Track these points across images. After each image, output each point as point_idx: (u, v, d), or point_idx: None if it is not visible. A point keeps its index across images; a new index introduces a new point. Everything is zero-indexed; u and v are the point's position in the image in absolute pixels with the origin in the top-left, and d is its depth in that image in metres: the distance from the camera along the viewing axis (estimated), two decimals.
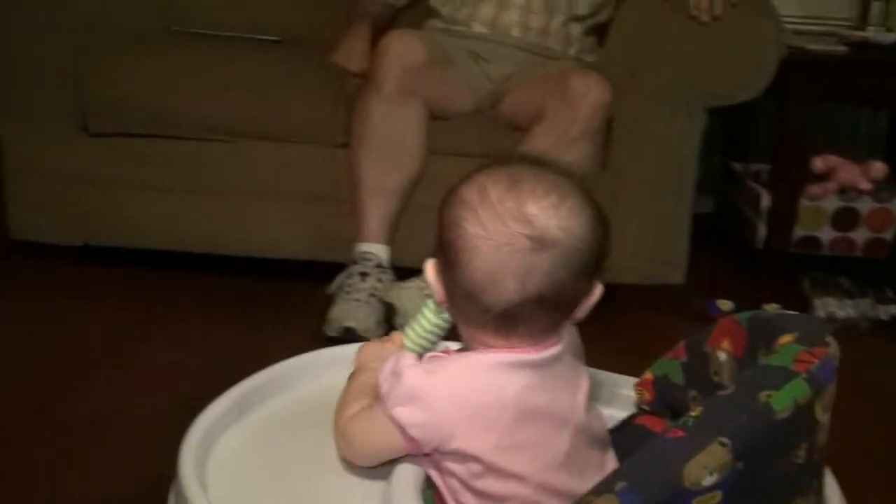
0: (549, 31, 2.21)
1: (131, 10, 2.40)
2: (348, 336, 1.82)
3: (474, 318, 0.82)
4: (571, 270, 0.80)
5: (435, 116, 2.03)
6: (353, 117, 2.01)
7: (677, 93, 2.00)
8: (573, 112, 1.92)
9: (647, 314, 2.08)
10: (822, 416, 0.76)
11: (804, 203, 2.30)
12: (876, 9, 2.53)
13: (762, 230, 2.34)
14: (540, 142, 1.94)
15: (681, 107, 2.02)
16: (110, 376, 1.74)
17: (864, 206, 2.31)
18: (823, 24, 2.75)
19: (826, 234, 2.33)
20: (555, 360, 0.83)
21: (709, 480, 0.68)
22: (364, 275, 1.94)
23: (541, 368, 0.82)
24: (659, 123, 2.02)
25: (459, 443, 0.80)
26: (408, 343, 0.93)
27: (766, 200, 2.32)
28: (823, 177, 2.35)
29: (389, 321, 1.87)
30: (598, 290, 0.84)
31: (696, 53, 1.98)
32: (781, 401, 0.72)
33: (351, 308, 1.89)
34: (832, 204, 2.32)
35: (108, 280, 2.18)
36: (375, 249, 1.97)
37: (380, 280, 1.94)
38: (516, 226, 0.78)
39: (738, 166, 2.60)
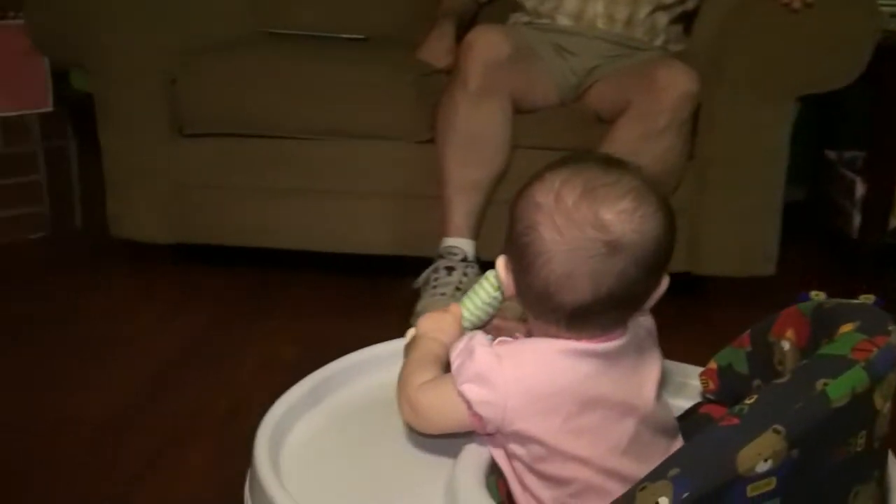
0: (635, 22, 2.20)
1: (222, 14, 2.49)
2: None
3: (545, 314, 0.85)
4: (643, 270, 0.82)
5: (520, 110, 2.05)
6: (439, 114, 2.04)
7: (767, 82, 1.96)
8: (659, 103, 1.91)
9: (739, 307, 2.04)
10: (882, 404, 0.75)
11: None
12: None
13: (857, 220, 2.28)
14: (625, 134, 1.93)
15: (770, 96, 1.98)
16: (202, 374, 1.79)
17: None
18: None
19: None
20: (620, 350, 0.85)
21: (763, 467, 0.68)
22: (450, 269, 1.96)
23: (606, 358, 0.84)
24: (748, 113, 1.99)
25: (522, 425, 0.83)
26: (465, 314, 0.96)
27: (860, 189, 2.27)
28: None
29: None
30: (665, 283, 0.86)
31: (787, 41, 1.93)
32: (838, 389, 0.72)
33: (437, 302, 1.91)
34: None
35: (199, 278, 2.26)
36: (461, 244, 1.99)
37: (465, 274, 1.96)
38: (592, 232, 0.80)
39: (831, 154, 2.53)
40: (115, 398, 1.68)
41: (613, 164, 0.85)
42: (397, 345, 1.02)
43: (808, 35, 1.91)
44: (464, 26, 2.27)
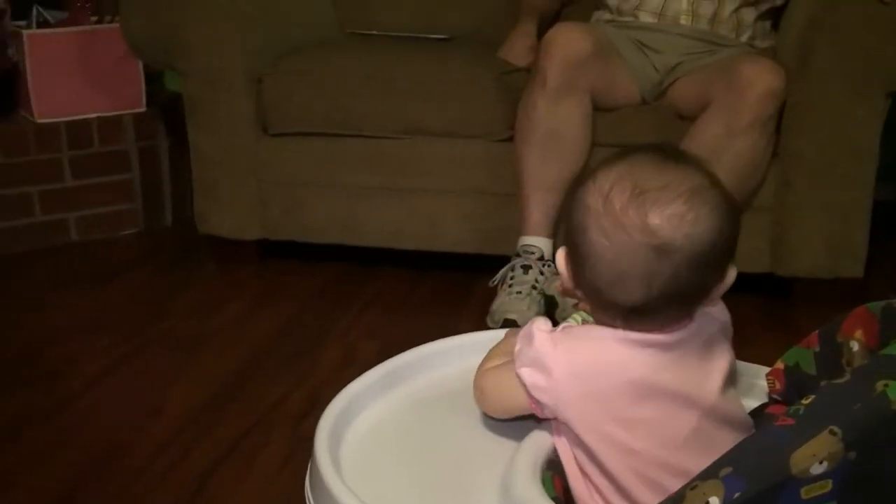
0: (721, 19, 2.16)
1: (307, 16, 2.53)
2: (509, 327, 1.85)
3: (603, 308, 0.85)
4: (696, 270, 0.81)
5: (600, 108, 2.03)
6: (519, 112, 2.04)
7: (857, 76, 1.91)
8: (742, 100, 1.87)
9: (825, 309, 1.96)
10: None
11: None
12: None
13: None
14: (707, 130, 1.90)
15: (861, 91, 1.93)
16: (283, 368, 1.83)
17: None
18: None
19: None
20: (683, 341, 0.84)
21: (818, 469, 0.67)
22: (526, 267, 1.96)
23: (668, 349, 0.83)
24: (837, 109, 1.94)
25: (573, 412, 0.83)
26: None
27: None
28: None
29: (550, 314, 1.88)
30: (731, 275, 0.84)
31: (879, 34, 1.88)
32: None
33: (513, 300, 1.92)
34: None
35: (283, 274, 2.30)
36: (538, 242, 1.99)
37: (541, 273, 1.96)
38: (640, 236, 0.80)
39: None
40: (200, 390, 1.74)
41: (671, 161, 0.83)
42: (460, 339, 1.05)
43: None
44: (546, 25, 2.26)
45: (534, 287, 1.93)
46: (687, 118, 2.01)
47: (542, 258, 1.97)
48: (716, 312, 0.88)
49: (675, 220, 0.80)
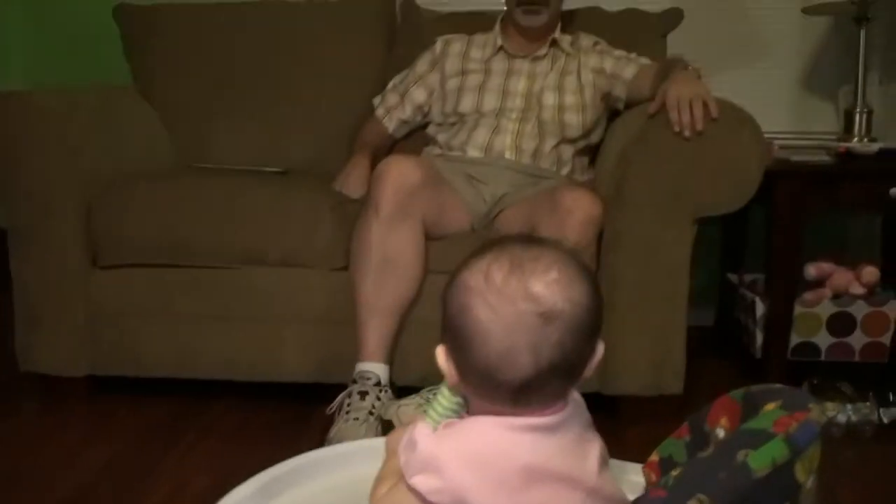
0: (542, 154, 2.31)
1: (143, 148, 2.54)
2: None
3: (490, 393, 0.88)
4: (577, 336, 0.87)
5: (432, 237, 2.10)
6: (353, 240, 2.09)
7: (666, 205, 2.05)
8: (563, 227, 1.98)
9: (650, 425, 2.06)
10: (804, 478, 0.80)
11: (799, 310, 2.32)
12: (859, 121, 2.60)
13: (759, 339, 2.35)
14: None
15: (670, 219, 2.06)
16: None
17: (860, 310, 2.33)
18: (812, 139, 2.84)
19: (823, 341, 2.34)
20: (562, 424, 0.89)
21: None
22: (363, 393, 1.97)
23: (550, 432, 0.88)
24: (650, 235, 2.06)
25: (473, 501, 0.85)
26: (431, 424, 0.96)
27: (761, 309, 2.35)
28: (817, 283, 2.38)
29: None
30: (600, 349, 0.91)
31: (681, 167, 2.03)
32: (759, 460, 0.76)
33: (350, 427, 1.91)
34: (827, 310, 2.33)
35: (114, 409, 2.21)
36: (374, 368, 2.00)
37: (378, 398, 1.97)
38: (525, 304, 0.85)
39: (733, 276, 2.64)
40: None
41: (533, 241, 0.91)
42: (342, 448, 1.12)
43: (701, 161, 2.01)
44: (379, 159, 2.35)
45: (370, 413, 1.94)
46: None
47: (378, 383, 1.99)
48: (577, 396, 0.93)
49: (554, 285, 0.86)
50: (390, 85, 2.60)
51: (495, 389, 0.87)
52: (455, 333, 0.88)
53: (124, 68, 2.85)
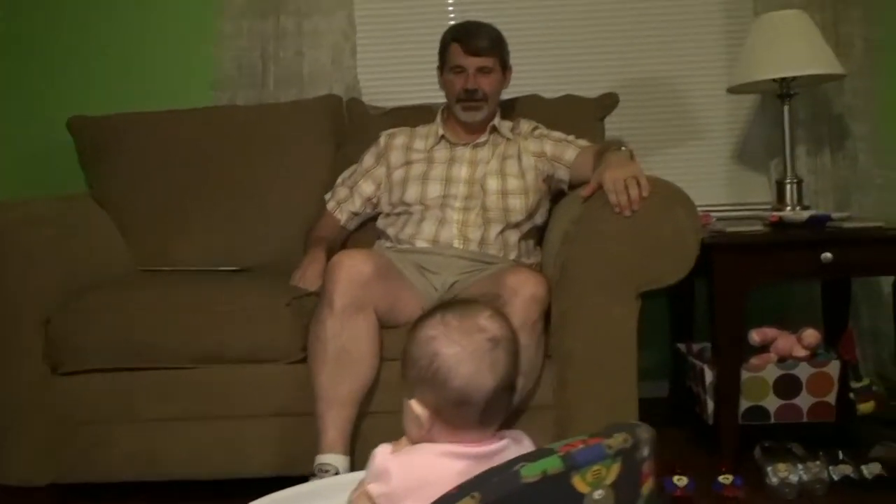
0: (488, 241, 2.40)
1: (98, 255, 2.57)
2: None
3: (462, 418, 1.16)
4: (513, 357, 1.19)
5: (386, 325, 2.16)
6: (310, 333, 2.13)
7: (608, 282, 2.11)
8: (509, 306, 2.04)
9: None
10: (589, 490, 1.03)
11: (746, 375, 2.39)
12: (790, 191, 2.73)
13: (710, 406, 2.42)
14: None
15: (614, 294, 2.11)
16: None
17: (804, 372, 2.40)
18: (747, 209, 2.97)
19: (771, 404, 2.41)
20: (495, 454, 1.16)
21: None
22: None
23: (480, 459, 1.14)
24: (597, 311, 2.11)
25: None
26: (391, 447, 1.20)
27: (710, 376, 2.42)
28: (762, 348, 2.46)
29: None
30: (520, 381, 1.27)
31: (622, 245, 2.10)
32: (531, 470, 0.99)
33: None
34: (773, 373, 2.40)
35: None
36: (333, 460, 2.01)
37: None
38: (479, 335, 1.17)
39: (682, 346, 2.71)
40: None
41: (462, 299, 1.28)
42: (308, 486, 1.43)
43: (640, 238, 2.09)
44: (334, 252, 2.41)
45: None
46: None
47: (337, 474, 2.01)
48: (522, 437, 1.22)
49: (491, 319, 1.19)
50: (339, 179, 2.70)
51: (466, 412, 1.15)
52: (429, 378, 1.16)
53: (80, 178, 2.92)
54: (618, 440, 1.08)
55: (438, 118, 2.65)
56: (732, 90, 2.85)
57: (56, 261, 2.34)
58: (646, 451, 1.12)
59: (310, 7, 3.08)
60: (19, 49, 3.23)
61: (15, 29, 3.23)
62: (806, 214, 2.49)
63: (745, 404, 2.40)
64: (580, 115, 2.78)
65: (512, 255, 2.42)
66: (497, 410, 1.16)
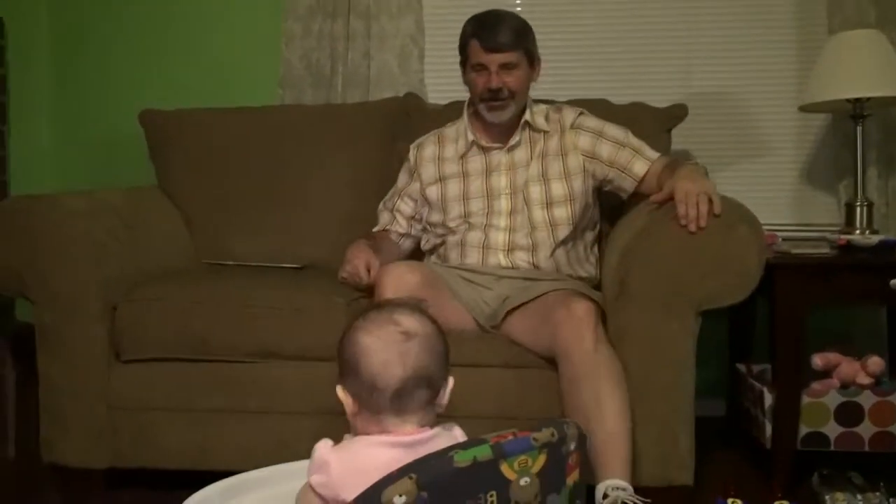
0: (538, 264, 2.36)
1: (164, 247, 2.63)
2: None
3: (376, 404, 1.27)
4: (431, 354, 1.29)
5: None
6: None
7: (669, 298, 2.09)
8: (572, 349, 2.01)
9: None
10: (516, 476, 1.17)
11: (807, 400, 2.34)
12: (860, 214, 2.67)
13: (768, 429, 2.38)
14: (574, 393, 2.00)
15: (673, 311, 2.09)
16: None
17: (867, 400, 2.35)
18: (814, 231, 2.91)
19: (832, 431, 2.35)
20: (425, 442, 1.26)
21: (399, 501, 1.10)
22: None
23: (411, 447, 1.24)
24: (654, 327, 2.09)
25: (347, 495, 1.18)
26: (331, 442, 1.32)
27: (769, 399, 2.37)
28: (824, 373, 2.41)
29: None
30: (451, 382, 1.33)
31: (683, 260, 2.07)
32: (463, 456, 1.13)
33: None
34: (835, 400, 2.35)
35: (129, 503, 2.25)
36: None
37: None
38: (392, 327, 1.29)
39: (741, 367, 2.67)
40: None
41: (402, 301, 1.35)
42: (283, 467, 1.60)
43: (702, 256, 2.07)
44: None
45: None
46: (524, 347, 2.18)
47: None
48: (457, 432, 1.34)
49: (409, 316, 1.31)
50: (381, 205, 2.62)
51: (379, 396, 1.26)
52: (348, 363, 1.30)
53: (149, 170, 2.97)
54: (545, 434, 1.21)
55: (465, 117, 2.49)
56: (804, 108, 2.80)
57: (124, 250, 2.39)
58: (572, 446, 1.25)
59: (379, 9, 3.10)
60: (94, 43, 3.31)
61: (90, 23, 3.31)
62: (875, 239, 2.43)
63: (804, 430, 2.35)
64: (648, 125, 2.74)
65: (564, 273, 2.38)
66: (411, 400, 1.26)
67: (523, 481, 1.17)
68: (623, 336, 2.12)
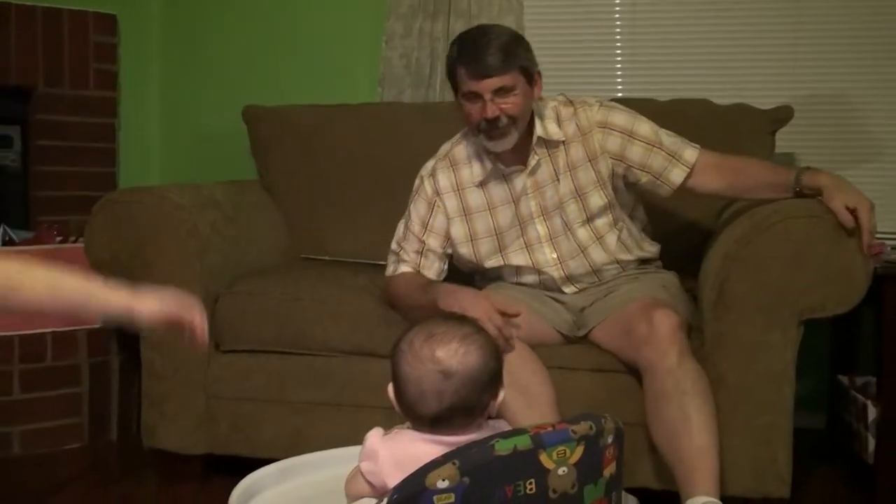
0: (597, 271, 2.27)
1: (264, 242, 2.68)
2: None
3: (415, 418, 1.33)
4: (472, 386, 1.30)
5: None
6: None
7: (768, 307, 2.03)
8: (659, 361, 1.96)
9: None
10: (554, 466, 1.22)
11: None
12: None
13: (871, 444, 2.29)
14: (660, 405, 1.95)
15: (775, 320, 2.04)
16: None
17: None
18: None
19: None
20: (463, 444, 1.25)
21: (442, 485, 1.16)
22: None
23: (452, 447, 1.24)
24: (754, 336, 2.04)
25: (392, 483, 1.23)
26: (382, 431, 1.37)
27: (873, 413, 2.29)
28: None
29: None
30: (502, 393, 1.36)
31: (786, 270, 2.01)
32: (503, 445, 1.19)
33: None
34: None
35: (227, 491, 2.28)
36: None
37: None
38: (430, 365, 1.30)
39: (844, 380, 2.59)
40: None
41: (452, 318, 1.38)
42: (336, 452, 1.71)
43: (806, 264, 2.01)
44: None
45: None
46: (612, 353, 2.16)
47: None
48: (503, 425, 1.35)
49: (453, 353, 1.30)
50: (394, 244, 2.33)
51: (417, 418, 1.32)
52: (395, 380, 1.34)
53: (251, 165, 3.04)
54: (583, 427, 1.26)
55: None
56: None
57: (226, 243, 2.45)
58: (609, 439, 1.29)
59: (480, 9, 3.09)
60: (201, 41, 3.40)
61: (198, 23, 3.40)
62: None
63: None
64: (751, 127, 2.67)
65: (632, 265, 2.31)
66: (449, 426, 1.30)
67: (561, 471, 1.22)
68: (721, 344, 2.07)
